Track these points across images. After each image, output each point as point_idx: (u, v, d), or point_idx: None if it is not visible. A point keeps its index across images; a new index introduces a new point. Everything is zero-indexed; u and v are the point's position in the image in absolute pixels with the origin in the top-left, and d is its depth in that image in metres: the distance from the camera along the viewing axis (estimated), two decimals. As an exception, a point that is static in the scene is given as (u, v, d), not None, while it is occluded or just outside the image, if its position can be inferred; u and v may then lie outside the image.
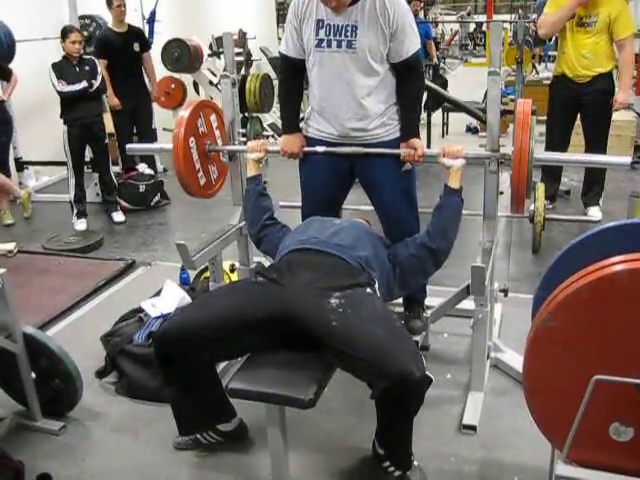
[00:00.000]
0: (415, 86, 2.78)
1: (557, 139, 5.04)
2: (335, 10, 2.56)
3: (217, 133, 3.11)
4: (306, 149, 2.86)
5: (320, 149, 2.81)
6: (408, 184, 2.87)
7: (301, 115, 3.03)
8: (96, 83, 5.21)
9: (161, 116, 7.27)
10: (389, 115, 2.76)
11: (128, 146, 3.41)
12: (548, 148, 5.12)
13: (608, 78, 4.83)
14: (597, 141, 4.93)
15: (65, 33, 5.16)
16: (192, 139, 2.92)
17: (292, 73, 2.84)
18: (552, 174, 5.24)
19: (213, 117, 3.09)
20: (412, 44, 2.65)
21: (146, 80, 6.32)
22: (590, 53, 4.71)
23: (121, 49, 5.92)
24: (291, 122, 2.90)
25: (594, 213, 5.09)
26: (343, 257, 2.33)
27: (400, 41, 2.61)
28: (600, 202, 5.16)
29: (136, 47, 6.04)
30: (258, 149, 2.89)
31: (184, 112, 2.91)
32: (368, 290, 2.26)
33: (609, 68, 4.81)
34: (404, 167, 2.79)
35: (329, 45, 2.63)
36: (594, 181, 5.16)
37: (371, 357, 1.99)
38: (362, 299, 2.19)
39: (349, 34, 2.59)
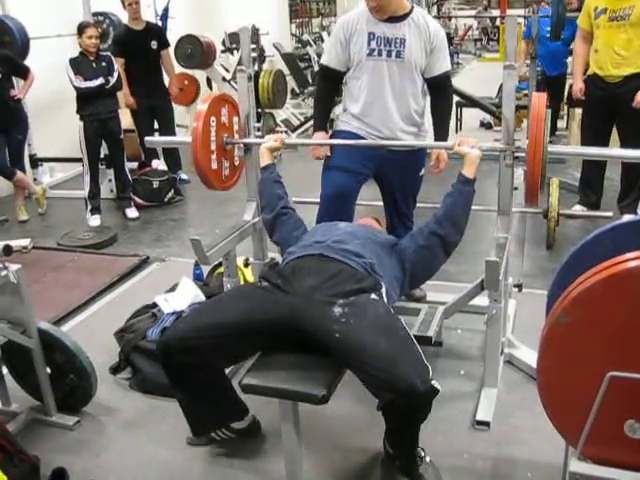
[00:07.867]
0: (446, 99, 3.20)
1: (590, 143, 4.71)
2: (376, 12, 2.90)
3: (235, 127, 3.15)
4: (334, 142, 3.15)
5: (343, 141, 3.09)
6: (419, 187, 3.29)
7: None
8: (112, 79, 5.26)
9: (174, 112, 7.25)
10: (421, 127, 3.15)
11: (147, 139, 3.46)
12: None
13: None
14: (632, 148, 4.61)
15: (82, 28, 5.20)
16: (212, 132, 2.96)
17: (330, 81, 3.20)
18: (592, 185, 4.94)
19: (231, 110, 3.11)
20: (445, 64, 3.04)
21: (165, 77, 6.29)
22: (623, 50, 4.38)
23: (137, 47, 5.90)
24: (322, 121, 3.26)
25: None
26: (348, 262, 2.29)
27: (436, 58, 2.99)
28: (638, 210, 4.66)
29: (153, 45, 6.00)
30: (275, 139, 2.97)
31: (202, 106, 2.94)
32: (373, 296, 2.21)
33: None
34: (420, 172, 3.22)
35: (379, 54, 2.97)
36: (630, 187, 4.80)
37: (374, 370, 1.96)
38: (366, 306, 2.14)
39: (398, 45, 2.94)
